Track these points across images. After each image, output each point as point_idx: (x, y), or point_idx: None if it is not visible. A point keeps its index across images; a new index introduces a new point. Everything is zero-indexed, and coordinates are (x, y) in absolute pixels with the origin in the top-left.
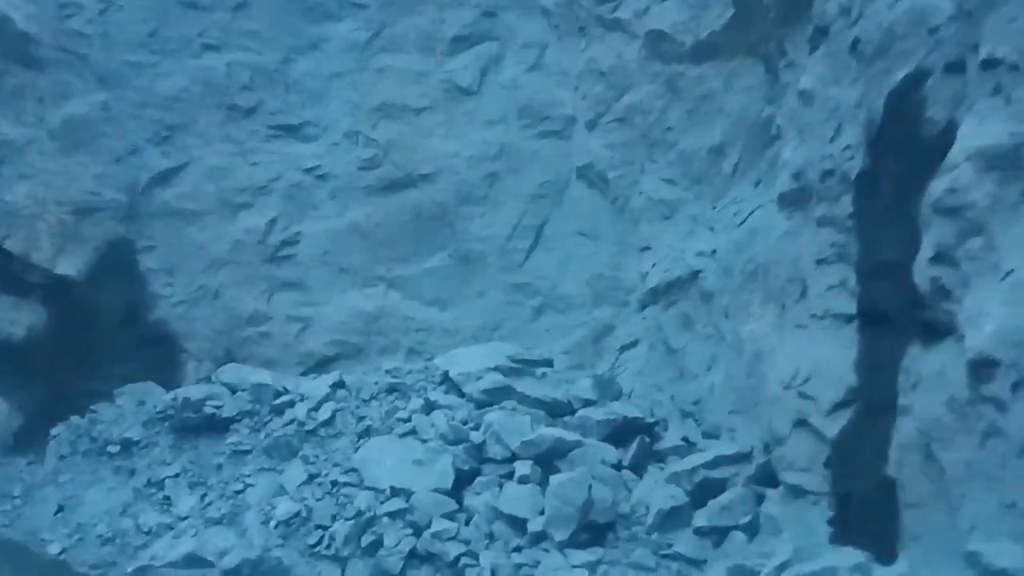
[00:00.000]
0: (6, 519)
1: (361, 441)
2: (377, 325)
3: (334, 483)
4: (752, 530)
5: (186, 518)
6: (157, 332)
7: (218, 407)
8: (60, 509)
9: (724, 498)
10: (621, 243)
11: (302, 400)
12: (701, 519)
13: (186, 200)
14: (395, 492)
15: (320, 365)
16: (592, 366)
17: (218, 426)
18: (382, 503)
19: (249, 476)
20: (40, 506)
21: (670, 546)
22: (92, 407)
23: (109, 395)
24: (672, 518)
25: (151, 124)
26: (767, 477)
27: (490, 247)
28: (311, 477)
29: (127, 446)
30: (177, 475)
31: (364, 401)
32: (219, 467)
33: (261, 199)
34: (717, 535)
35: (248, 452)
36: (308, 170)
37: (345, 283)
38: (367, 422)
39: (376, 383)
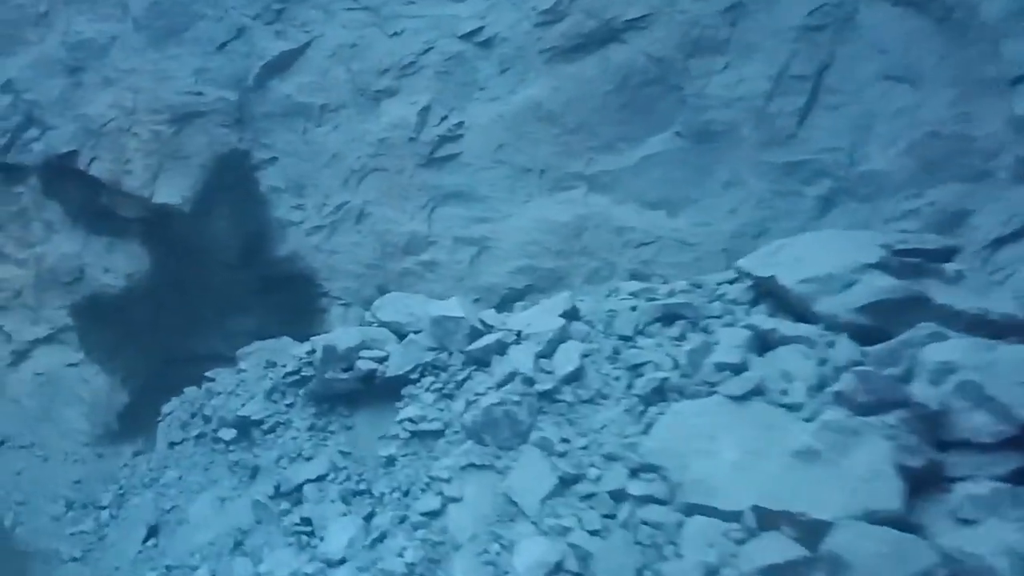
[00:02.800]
0: (82, 545)
1: (652, 411)
2: (580, 242)
3: (618, 496)
4: None
5: (341, 563)
6: (288, 271)
7: (380, 359)
8: (151, 534)
9: None
10: (964, 80)
11: (519, 341)
12: None
13: (311, 92)
14: (763, 519)
15: (504, 303)
16: None
17: (382, 390)
18: (744, 542)
19: (448, 481)
20: (128, 527)
21: None
22: (209, 374)
23: (231, 358)
24: None
25: None
26: None
27: (740, 113)
28: (566, 483)
29: (245, 429)
30: (321, 478)
31: (626, 339)
32: (390, 463)
33: (408, 82)
34: None
35: (439, 434)
36: (466, 36)
37: (530, 187)
38: (654, 374)
39: (634, 308)
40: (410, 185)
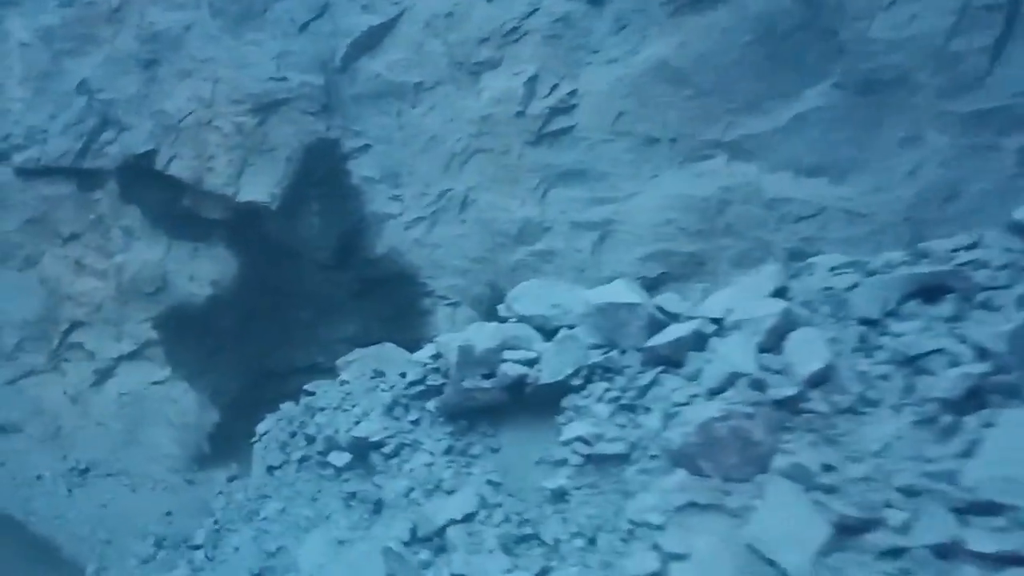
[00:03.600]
0: None
1: (969, 422)
2: (723, 220)
3: (943, 551)
4: None
5: None
6: (387, 270)
7: (529, 362)
8: None
9: None
10: None
11: (722, 332)
12: None
13: (404, 70)
14: None
15: None
16: None
17: (535, 402)
18: None
19: (661, 528)
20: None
21: None
22: (308, 388)
23: (330, 368)
24: None
25: None
26: None
27: (914, 56)
28: (849, 531)
29: (361, 452)
30: (470, 518)
31: (872, 323)
32: (559, 497)
33: (512, 50)
34: None
35: (624, 459)
36: None
37: (659, 160)
38: (954, 369)
39: (855, 285)
40: (519, 166)
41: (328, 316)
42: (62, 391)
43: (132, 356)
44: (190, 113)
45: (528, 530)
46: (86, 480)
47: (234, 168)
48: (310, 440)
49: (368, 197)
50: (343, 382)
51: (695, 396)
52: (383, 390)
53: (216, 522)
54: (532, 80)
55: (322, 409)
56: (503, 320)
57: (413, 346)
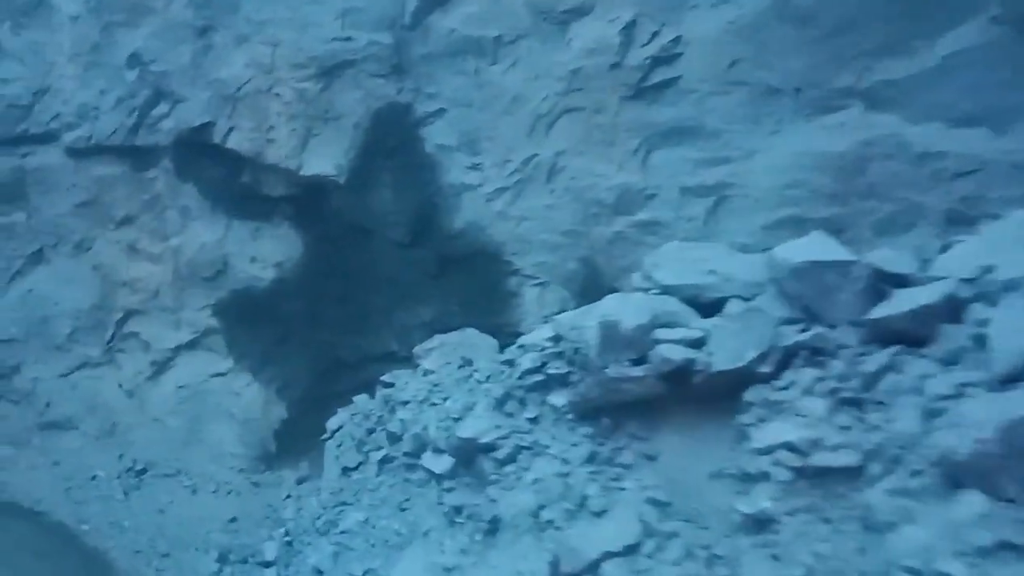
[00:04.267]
0: None
1: None
2: (864, 179)
3: None
4: None
5: None
6: (467, 247)
7: (693, 343)
8: None
9: None
10: None
11: (987, 293)
12: None
13: (481, 23)
14: None
15: None
16: None
17: (705, 395)
18: None
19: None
20: None
21: None
22: (386, 379)
23: (406, 357)
24: None
25: None
26: None
27: None
28: None
29: (466, 456)
30: (632, 551)
31: None
32: (761, 526)
33: None
34: None
35: (855, 473)
36: None
37: (781, 113)
38: None
39: None
40: (616, 125)
41: (403, 300)
42: (117, 384)
43: (191, 346)
44: (248, 81)
45: (724, 572)
46: (143, 482)
47: (297, 139)
48: (393, 438)
49: (445, 167)
50: (427, 372)
51: (969, 386)
52: (479, 381)
53: (287, 533)
54: (629, 27)
55: (405, 403)
56: (646, 288)
57: (497, 331)
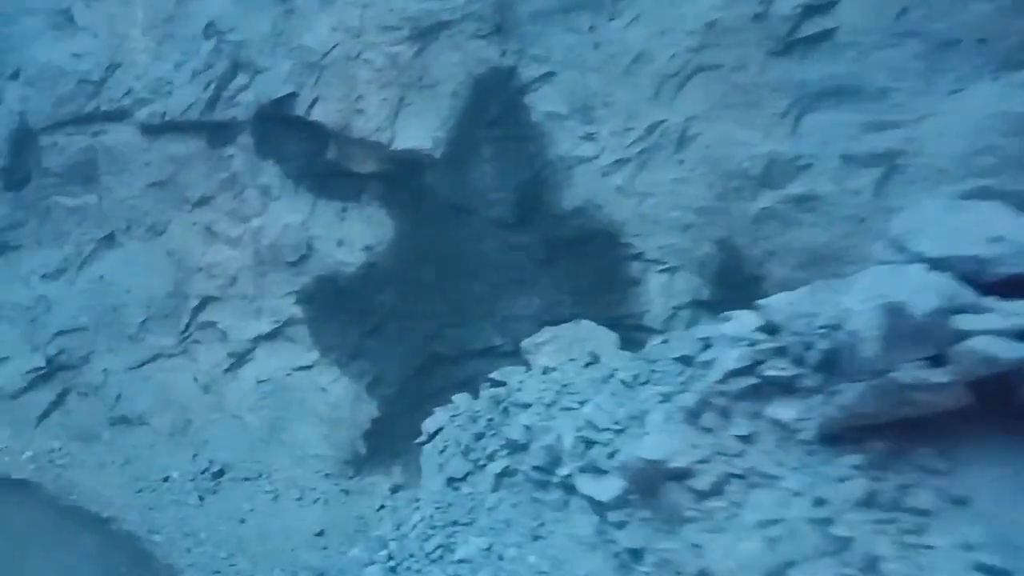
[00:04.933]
0: None
1: None
2: None
3: None
4: None
5: None
6: (580, 229)
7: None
8: None
9: None
10: None
11: None
12: None
13: None
14: None
15: None
16: None
17: None
18: None
19: None
20: None
21: None
22: (495, 376)
23: (511, 352)
24: None
25: None
26: None
27: None
28: None
29: (647, 483)
30: None
31: None
32: None
33: None
34: None
35: None
36: None
37: (963, 68)
38: None
39: None
40: (760, 85)
41: (507, 288)
42: (192, 378)
43: (272, 336)
44: (335, 46)
45: None
46: (220, 485)
47: (388, 109)
48: (514, 448)
49: (554, 137)
50: (547, 370)
51: None
52: (625, 383)
53: (391, 557)
54: None
55: (526, 406)
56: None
57: (615, 324)
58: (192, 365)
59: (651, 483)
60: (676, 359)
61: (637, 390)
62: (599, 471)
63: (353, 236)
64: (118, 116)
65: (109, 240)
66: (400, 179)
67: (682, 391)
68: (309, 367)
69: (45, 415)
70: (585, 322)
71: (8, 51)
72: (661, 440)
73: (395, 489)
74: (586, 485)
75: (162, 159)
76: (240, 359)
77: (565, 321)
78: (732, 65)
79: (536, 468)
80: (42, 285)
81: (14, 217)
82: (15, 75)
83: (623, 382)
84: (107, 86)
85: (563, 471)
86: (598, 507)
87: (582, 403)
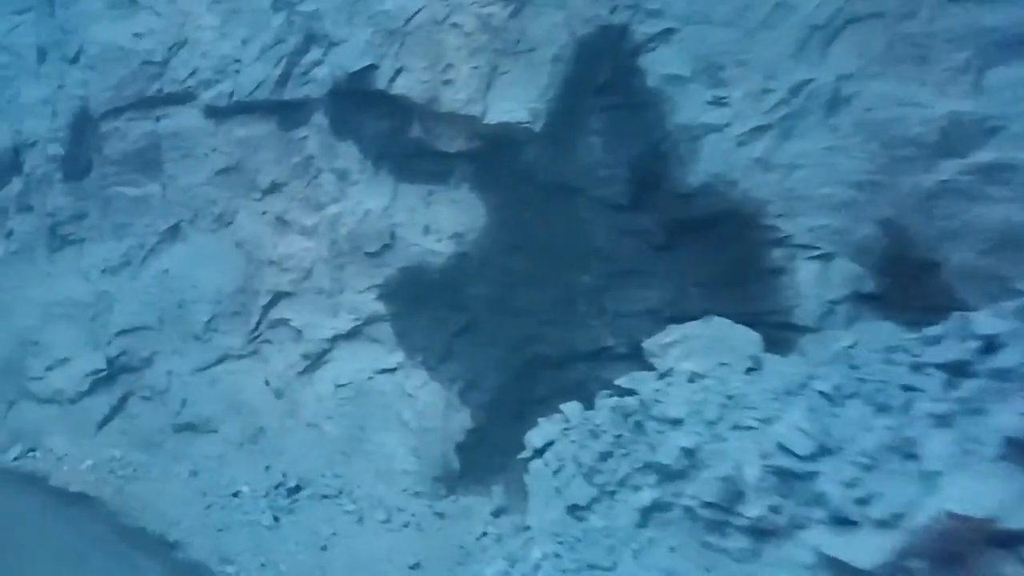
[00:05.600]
0: None
1: None
2: None
3: None
4: None
5: None
6: (709, 208)
7: None
8: None
9: None
10: None
11: None
12: None
13: None
14: None
15: None
16: None
17: None
18: None
19: None
20: None
21: None
22: (621, 383)
23: (629, 355)
24: None
25: None
26: None
27: None
28: None
29: (951, 544)
30: None
31: None
32: None
33: None
34: None
35: None
36: None
37: None
38: None
39: None
40: (930, 35)
41: (620, 279)
42: (263, 381)
43: (351, 335)
44: (419, 10)
45: None
46: (296, 503)
47: (480, 79)
48: (667, 474)
49: (675, 104)
50: (694, 377)
51: None
52: (826, 395)
53: None
54: None
55: (675, 421)
56: None
57: (755, 322)
58: (263, 367)
59: (957, 549)
60: (917, 366)
61: (845, 406)
62: (843, 521)
63: (441, 222)
64: (182, 98)
65: (173, 232)
66: (494, 157)
67: (973, 412)
68: (393, 370)
69: (106, 421)
70: (718, 319)
71: (68, 33)
72: (976, 487)
73: (497, 513)
74: (827, 541)
75: (229, 143)
76: (316, 361)
77: (692, 318)
78: (896, 13)
79: (707, 505)
80: (103, 281)
81: (74, 208)
82: (75, 58)
83: (824, 395)
84: (170, 67)
85: (750, 511)
86: (846, 573)
87: (764, 421)
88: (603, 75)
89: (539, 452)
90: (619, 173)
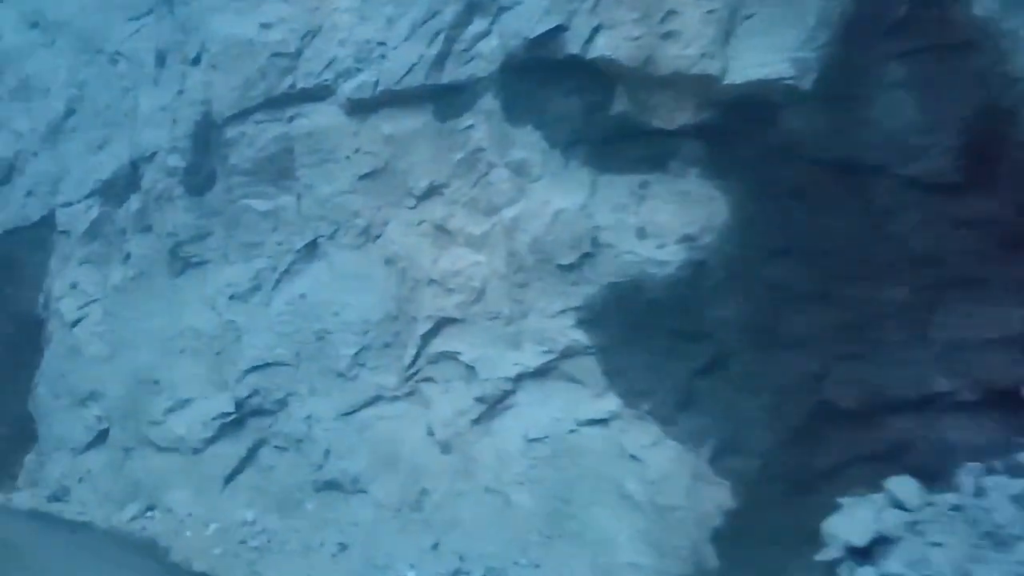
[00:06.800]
0: None
1: None
2: None
3: None
4: None
5: None
6: None
7: None
8: None
9: None
10: None
11: None
12: None
13: None
14: None
15: None
16: None
17: None
18: None
19: None
20: None
21: None
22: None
23: (971, 404)
24: None
25: None
26: None
27: None
28: None
29: None
30: None
31: None
32: None
33: None
34: None
35: None
36: None
37: None
38: None
39: None
40: None
41: (953, 292)
42: (425, 430)
43: (542, 374)
44: None
45: None
46: None
47: (717, 26)
48: None
49: (1018, 39)
50: None
51: None
52: None
53: None
54: None
55: None
56: None
57: None
58: (424, 412)
59: None
60: None
61: None
62: None
63: (662, 222)
64: (318, 94)
65: (311, 249)
66: (737, 130)
67: None
68: (605, 420)
69: (234, 475)
70: None
71: (189, 32)
72: None
73: None
74: None
75: (376, 142)
76: (495, 406)
77: None
78: None
79: None
80: (230, 309)
81: (198, 227)
82: (196, 59)
83: None
84: (304, 58)
85: None
86: None
87: None
88: (902, 7)
89: (855, 552)
90: (941, 140)
